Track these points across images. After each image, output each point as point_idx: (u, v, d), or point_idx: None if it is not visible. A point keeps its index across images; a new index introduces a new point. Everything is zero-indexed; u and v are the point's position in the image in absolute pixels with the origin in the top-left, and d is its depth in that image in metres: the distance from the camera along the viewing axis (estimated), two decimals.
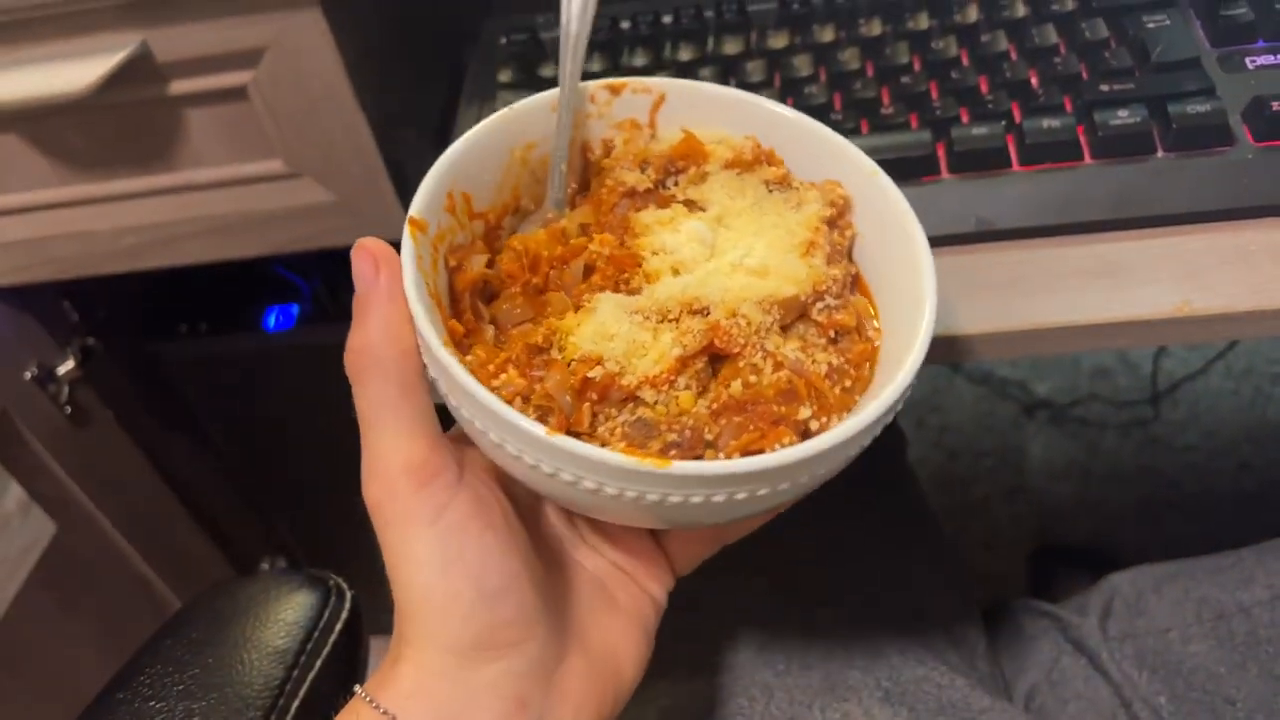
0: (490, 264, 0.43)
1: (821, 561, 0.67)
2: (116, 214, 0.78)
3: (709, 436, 0.37)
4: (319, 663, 0.48)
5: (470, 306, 0.41)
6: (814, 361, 0.39)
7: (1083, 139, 0.55)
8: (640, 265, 0.42)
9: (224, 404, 1.02)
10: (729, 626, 0.63)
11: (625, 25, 0.68)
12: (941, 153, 0.56)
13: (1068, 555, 1.29)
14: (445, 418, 0.39)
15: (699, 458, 0.36)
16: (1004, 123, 0.56)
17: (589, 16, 0.45)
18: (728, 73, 0.64)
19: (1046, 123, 0.55)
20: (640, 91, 0.47)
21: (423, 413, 0.37)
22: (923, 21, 0.63)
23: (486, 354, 0.39)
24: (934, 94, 0.59)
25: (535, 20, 0.71)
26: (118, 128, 0.73)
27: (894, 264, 0.43)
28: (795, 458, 0.34)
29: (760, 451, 0.36)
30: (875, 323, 0.43)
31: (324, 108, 0.70)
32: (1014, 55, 0.60)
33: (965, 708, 0.58)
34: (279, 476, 1.09)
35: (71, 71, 0.66)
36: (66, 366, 0.95)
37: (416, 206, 0.40)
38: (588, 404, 0.37)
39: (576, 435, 0.36)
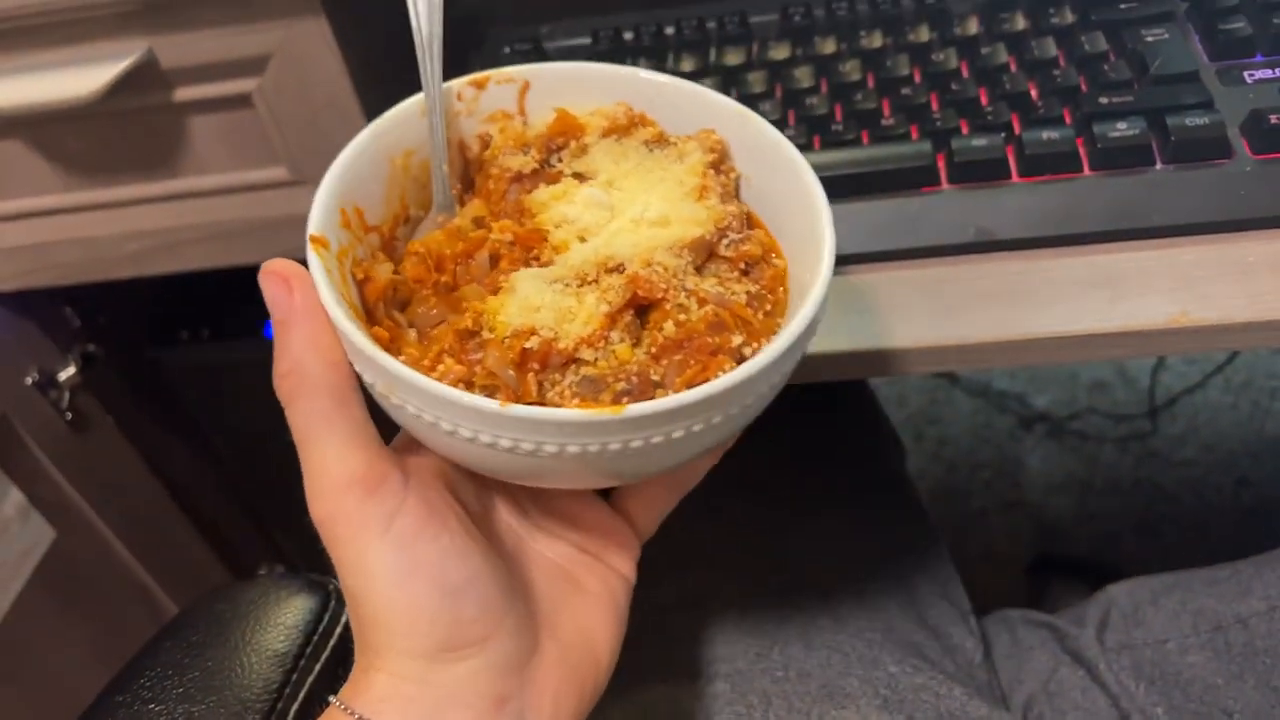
0: (395, 273, 0.43)
1: (821, 570, 0.68)
2: (120, 220, 0.78)
3: (655, 378, 0.37)
4: (318, 666, 0.48)
5: (386, 315, 0.41)
6: (733, 293, 0.41)
7: (1082, 151, 0.55)
8: (546, 239, 0.42)
9: (225, 411, 1.02)
10: (728, 633, 0.63)
11: (628, 36, 0.69)
12: (941, 163, 0.57)
13: (1065, 567, 1.29)
14: (382, 431, 0.39)
15: (650, 399, 0.37)
16: (1004, 134, 0.57)
17: (437, 16, 0.46)
18: (729, 83, 0.64)
19: (1046, 134, 0.55)
20: (504, 81, 0.47)
21: (359, 424, 0.37)
22: (923, 34, 0.64)
23: (419, 351, 0.39)
24: (934, 105, 0.60)
25: (539, 30, 0.72)
26: (122, 134, 0.74)
27: (781, 192, 0.44)
28: (741, 378, 0.35)
29: (706, 381, 0.36)
30: (775, 252, 0.44)
31: (327, 115, 0.71)
32: (1014, 67, 0.60)
33: (963, 716, 0.58)
34: (279, 484, 1.08)
35: (77, 78, 0.66)
36: (68, 372, 0.95)
37: (313, 224, 0.40)
38: (531, 374, 0.37)
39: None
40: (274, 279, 0.37)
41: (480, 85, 0.47)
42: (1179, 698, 0.60)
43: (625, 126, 0.46)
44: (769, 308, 0.42)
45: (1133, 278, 0.52)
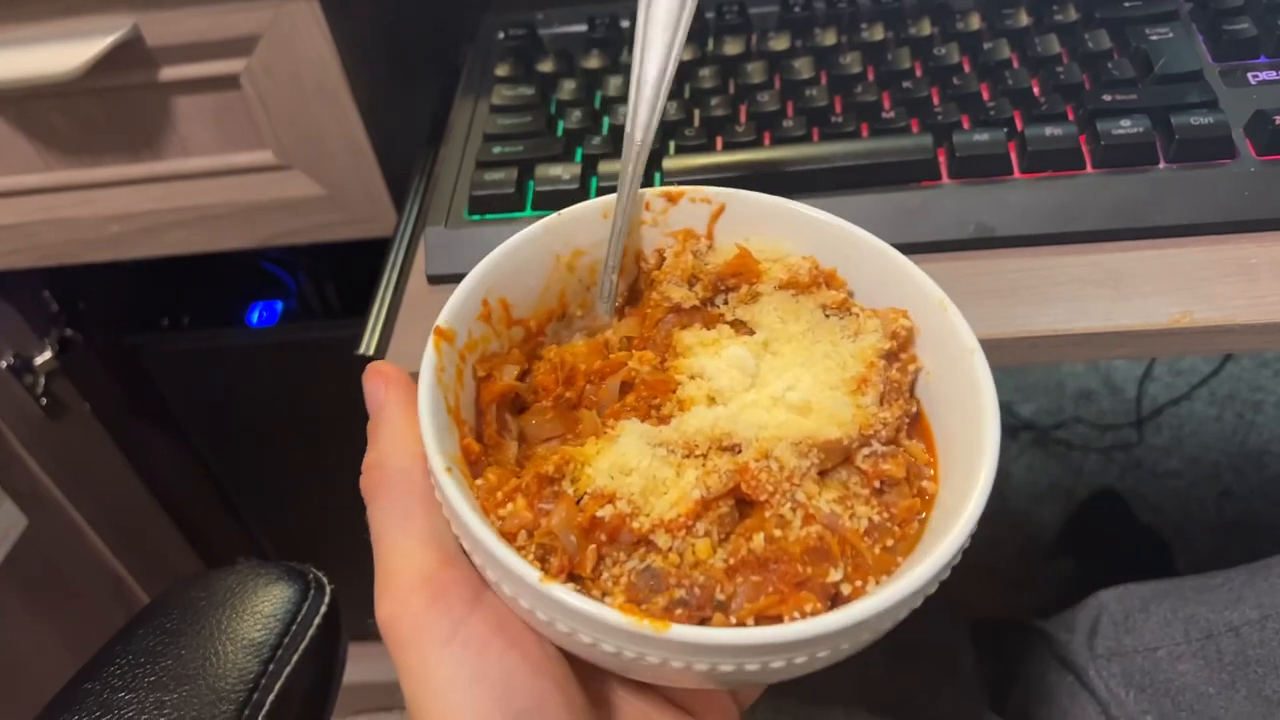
0: (525, 375, 0.41)
1: None
2: (102, 201, 0.77)
3: (721, 596, 0.33)
4: (296, 657, 0.46)
5: (495, 419, 0.39)
6: (853, 516, 0.36)
7: (1085, 148, 0.54)
8: (674, 391, 0.39)
9: (204, 400, 1.00)
10: None
11: (625, 24, 0.68)
12: (942, 158, 0.56)
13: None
14: None
15: (706, 620, 0.33)
16: (1006, 130, 0.56)
17: (654, 126, 0.43)
18: (727, 73, 0.63)
19: (1049, 131, 0.55)
20: (699, 200, 0.44)
21: (436, 526, 0.35)
22: (925, 28, 0.63)
23: (498, 479, 0.36)
24: (935, 99, 0.59)
25: (534, 16, 0.71)
26: (105, 113, 0.72)
27: (956, 408, 0.38)
28: (811, 632, 0.30)
29: (778, 618, 0.33)
30: (932, 471, 0.39)
31: (316, 99, 0.69)
32: (1016, 63, 0.60)
33: None
34: (257, 475, 1.07)
35: (60, 53, 0.64)
36: (44, 357, 0.93)
37: (445, 315, 0.38)
38: (594, 546, 0.34)
39: (579, 580, 0.34)
40: (375, 377, 0.37)
41: (673, 199, 0.44)
42: (1169, 706, 0.59)
43: (806, 285, 0.42)
44: (891, 543, 0.36)
45: (1135, 277, 0.51)
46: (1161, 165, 0.54)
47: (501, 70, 0.66)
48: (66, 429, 0.97)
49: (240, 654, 0.46)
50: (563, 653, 0.37)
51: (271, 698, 0.45)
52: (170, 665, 0.45)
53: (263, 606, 0.47)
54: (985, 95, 0.59)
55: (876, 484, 0.37)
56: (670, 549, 0.34)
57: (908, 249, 0.54)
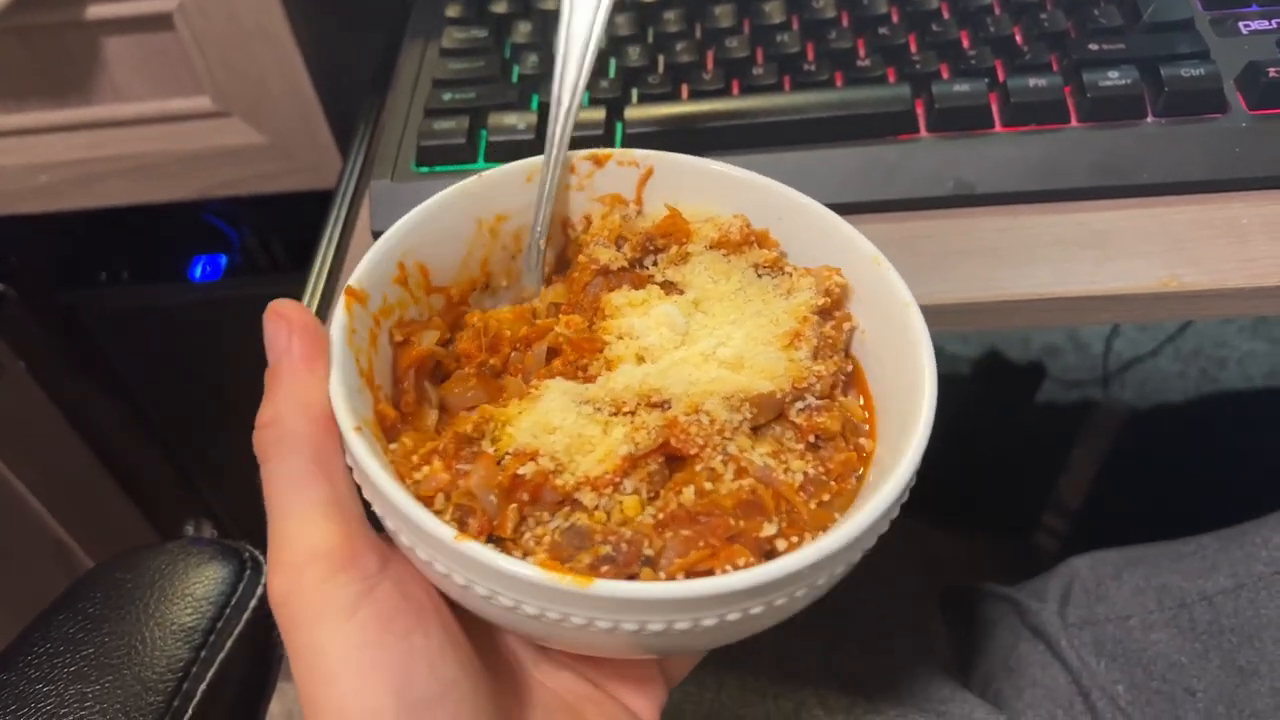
0: (448, 344, 0.40)
1: None
2: (29, 149, 0.73)
3: (649, 551, 0.32)
4: (230, 643, 0.43)
5: (414, 387, 0.38)
6: (787, 470, 0.34)
7: (1070, 100, 0.52)
8: (602, 351, 0.37)
9: (147, 358, 0.96)
10: None
11: None
12: (920, 110, 0.53)
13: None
14: None
15: (634, 577, 0.32)
16: (987, 80, 0.53)
17: (581, 88, 0.42)
18: (693, 17, 0.59)
19: (1032, 82, 0.52)
20: (626, 164, 0.43)
21: (337, 492, 0.32)
22: None
23: (414, 443, 0.35)
24: (913, 47, 0.56)
25: None
26: (30, 55, 0.68)
27: (892, 364, 0.38)
28: (741, 584, 0.29)
29: (709, 573, 0.31)
30: (869, 428, 0.38)
31: (256, 41, 0.65)
32: (998, 9, 0.57)
33: (925, 697, 0.56)
34: (206, 437, 1.03)
35: None
36: None
37: (358, 276, 0.36)
38: (515, 505, 0.33)
39: (500, 542, 0.32)
40: (277, 321, 0.34)
41: (600, 162, 0.43)
42: (1141, 676, 0.58)
43: (737, 244, 0.41)
44: (828, 497, 0.35)
45: (1121, 238, 0.49)
46: (1149, 119, 0.51)
47: (453, 10, 0.63)
48: (2, 390, 0.92)
49: (169, 640, 0.43)
50: (480, 639, 0.35)
51: (203, 687, 0.42)
52: (92, 654, 0.42)
53: (194, 589, 0.44)
54: (965, 43, 0.56)
55: (811, 438, 0.36)
56: (597, 507, 0.33)
57: (883, 206, 0.52)
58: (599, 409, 0.35)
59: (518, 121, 0.55)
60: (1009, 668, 0.62)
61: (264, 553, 0.48)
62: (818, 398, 0.36)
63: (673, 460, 0.34)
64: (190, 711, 0.41)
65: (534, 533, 0.32)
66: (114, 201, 0.75)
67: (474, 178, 0.41)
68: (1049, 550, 1.16)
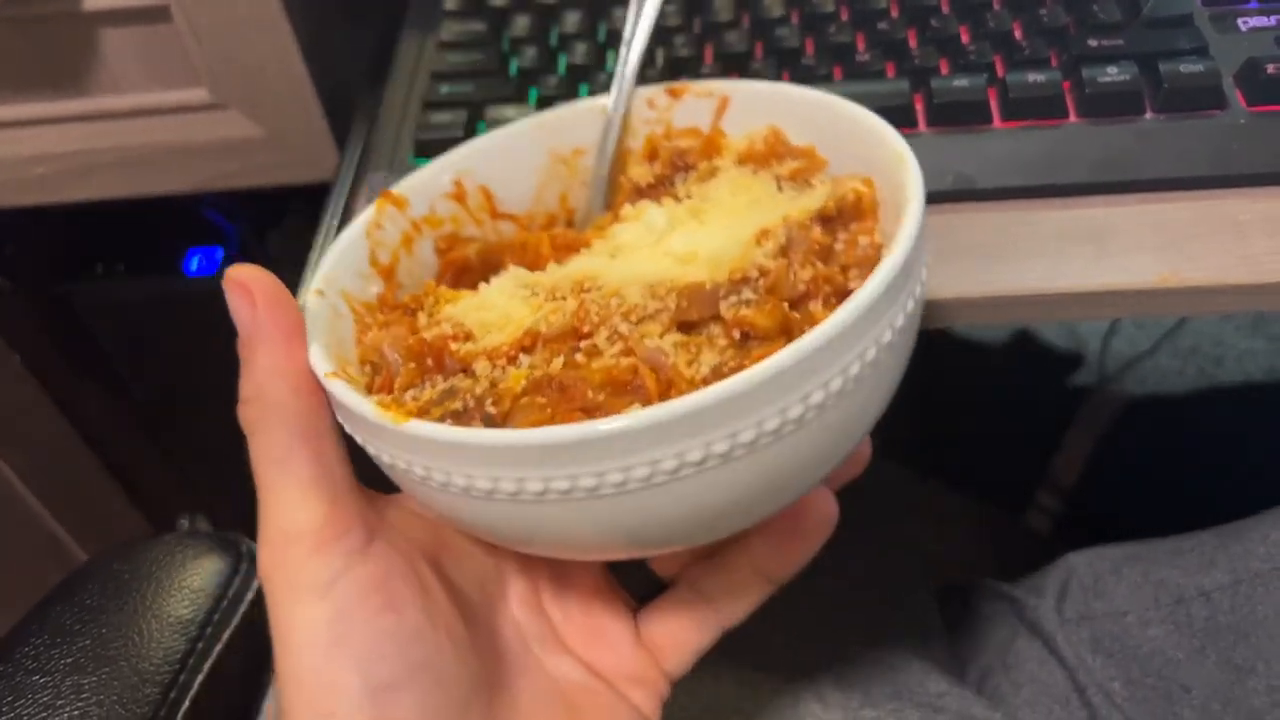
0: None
1: None
2: (24, 141, 0.72)
3: (491, 410, 0.31)
4: (226, 635, 0.43)
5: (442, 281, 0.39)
6: (693, 362, 0.31)
7: (1069, 96, 0.52)
8: (579, 251, 0.38)
9: (141, 351, 0.96)
10: None
11: None
12: (919, 104, 0.53)
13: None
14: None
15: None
16: (986, 76, 0.53)
17: (651, 18, 0.42)
18: (692, 10, 0.59)
19: (1031, 77, 0.52)
20: (703, 95, 0.42)
21: (323, 464, 0.32)
22: None
23: (373, 313, 0.37)
24: (912, 42, 0.56)
25: None
26: (25, 45, 0.67)
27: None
28: (573, 436, 0.27)
29: None
30: None
31: (253, 32, 0.65)
32: (997, 5, 0.57)
33: (921, 692, 0.56)
34: (200, 429, 1.03)
35: None
36: None
37: (401, 184, 0.37)
38: (414, 366, 0.33)
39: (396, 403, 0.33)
40: (235, 289, 0.33)
41: (676, 95, 0.42)
42: (1137, 672, 0.58)
43: (763, 155, 0.40)
44: None
45: (1119, 233, 0.49)
46: (1148, 115, 0.51)
47: (451, 3, 0.62)
48: None
49: (166, 632, 0.43)
50: (480, 619, 0.35)
51: (200, 678, 0.42)
52: (89, 645, 0.42)
53: (190, 581, 0.44)
54: (965, 38, 0.55)
55: (736, 334, 0.32)
56: (484, 375, 0.32)
57: None
58: (535, 293, 0.35)
59: (515, 115, 0.55)
60: (1005, 663, 0.62)
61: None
62: (755, 292, 0.33)
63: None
64: (187, 703, 0.41)
65: (417, 393, 0.33)
66: (110, 194, 0.75)
67: (548, 110, 0.41)
68: (1041, 532, 1.15)
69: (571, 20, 0.60)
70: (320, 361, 0.32)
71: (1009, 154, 0.51)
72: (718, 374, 0.30)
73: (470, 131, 0.55)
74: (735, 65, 0.56)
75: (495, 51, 0.59)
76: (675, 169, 0.41)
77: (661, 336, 0.32)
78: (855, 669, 0.56)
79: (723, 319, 0.32)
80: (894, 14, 0.57)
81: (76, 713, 0.40)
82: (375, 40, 0.67)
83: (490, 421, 0.31)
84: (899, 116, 0.52)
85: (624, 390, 0.31)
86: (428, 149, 0.55)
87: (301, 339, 0.33)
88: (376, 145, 0.56)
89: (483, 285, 0.36)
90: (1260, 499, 0.60)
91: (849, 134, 0.39)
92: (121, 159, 0.73)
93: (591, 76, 0.56)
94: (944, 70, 0.54)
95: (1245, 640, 0.55)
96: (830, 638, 0.58)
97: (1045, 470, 1.30)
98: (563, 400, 0.31)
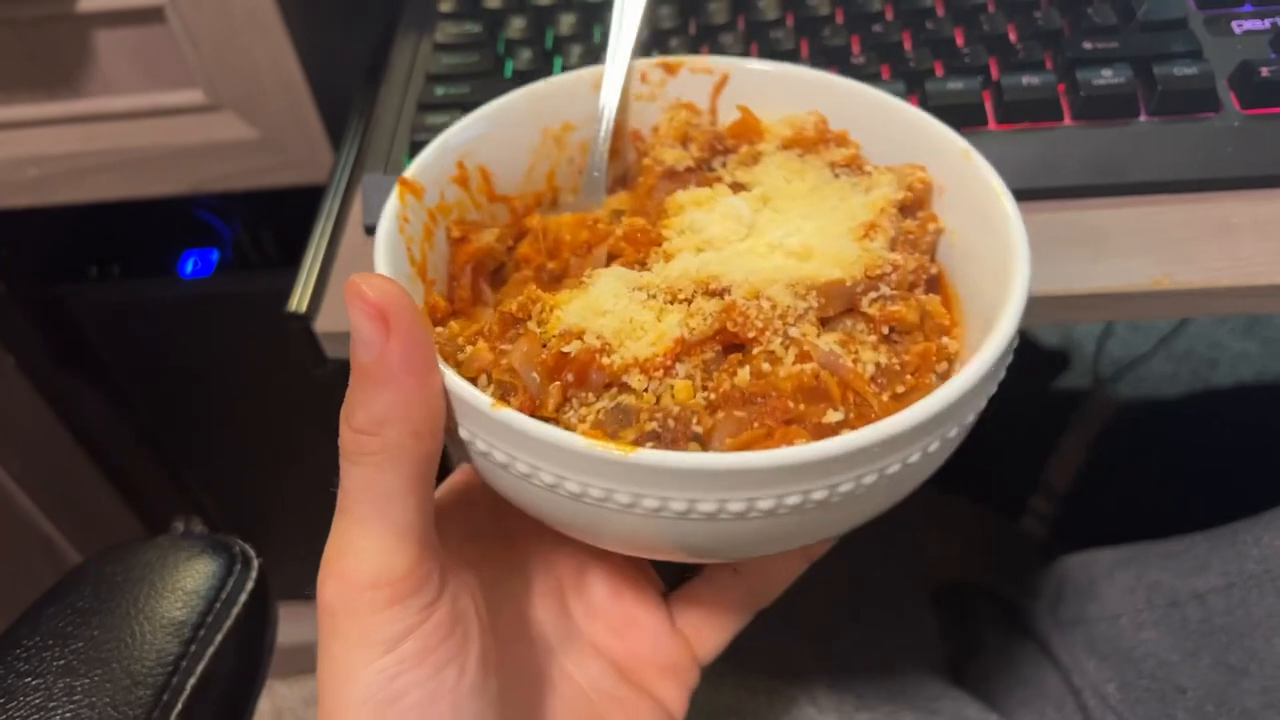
0: (509, 250, 0.38)
1: None
2: (19, 142, 0.72)
3: (698, 429, 0.30)
4: (219, 637, 0.43)
5: (471, 285, 0.37)
6: (856, 359, 0.32)
7: (1063, 98, 0.52)
8: (660, 244, 0.36)
9: (136, 353, 0.96)
10: None
11: None
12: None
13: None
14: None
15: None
16: (981, 78, 0.53)
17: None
18: (687, 12, 0.59)
19: (1026, 80, 0.52)
20: (700, 71, 0.41)
21: (423, 513, 0.31)
22: None
23: (460, 327, 0.34)
24: (907, 45, 0.56)
25: None
26: (20, 47, 0.67)
27: (984, 252, 0.35)
28: (803, 458, 0.27)
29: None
30: (951, 328, 0.36)
31: (248, 34, 0.65)
32: (992, 7, 0.57)
33: (917, 695, 0.56)
34: (194, 432, 1.03)
35: None
36: None
37: (412, 169, 0.35)
38: (558, 385, 0.31)
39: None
40: (365, 309, 0.28)
41: (671, 70, 0.41)
42: (1131, 674, 0.58)
43: (811, 141, 0.39)
44: (901, 389, 0.32)
45: (1114, 236, 0.49)
46: (1143, 118, 0.51)
47: (446, 5, 0.62)
48: None
49: (159, 634, 0.42)
50: (508, 624, 0.35)
51: (193, 681, 0.42)
52: (82, 647, 0.42)
53: (184, 583, 0.44)
54: (959, 41, 0.56)
55: (885, 330, 0.33)
56: (645, 390, 0.31)
57: None
58: (653, 296, 0.33)
59: None
60: (1000, 666, 0.63)
61: (253, 547, 0.48)
62: (893, 288, 0.34)
63: (731, 350, 0.32)
64: (179, 706, 0.41)
65: (577, 412, 0.31)
66: (105, 195, 0.75)
67: (540, 82, 0.39)
68: (1036, 535, 1.15)
69: (567, 22, 0.60)
70: (477, 396, 0.29)
71: (1003, 156, 0.50)
72: (883, 372, 0.32)
73: None
74: None
75: (491, 53, 0.59)
76: (714, 152, 0.40)
77: (818, 337, 0.32)
78: (851, 672, 0.56)
79: (864, 314, 0.33)
80: (889, 17, 0.57)
81: (69, 715, 0.39)
82: (371, 42, 0.67)
83: (697, 440, 0.30)
84: None
85: (815, 396, 0.31)
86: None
87: (434, 377, 0.30)
88: (372, 147, 0.56)
89: (594, 284, 0.34)
90: (1254, 502, 0.60)
91: (868, 115, 0.40)
92: (116, 161, 0.72)
93: None
94: (939, 73, 0.54)
95: (1239, 642, 0.55)
96: (826, 641, 0.58)
97: (1040, 473, 1.30)
98: (765, 413, 0.30)
